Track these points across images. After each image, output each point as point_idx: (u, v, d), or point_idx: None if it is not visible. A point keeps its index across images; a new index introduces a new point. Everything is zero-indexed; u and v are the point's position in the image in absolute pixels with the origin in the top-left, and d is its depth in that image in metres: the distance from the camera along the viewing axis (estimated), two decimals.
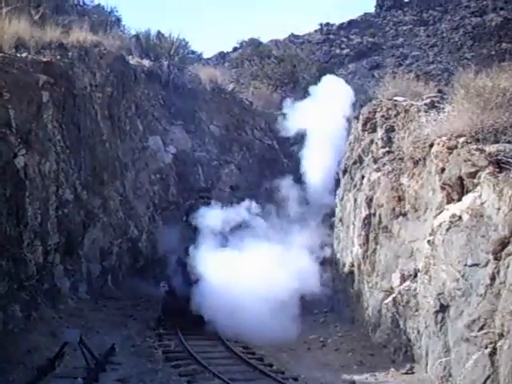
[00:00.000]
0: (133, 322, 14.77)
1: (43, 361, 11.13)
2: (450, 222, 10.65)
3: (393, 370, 11.71)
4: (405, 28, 38.55)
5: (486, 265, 9.70)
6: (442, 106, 13.37)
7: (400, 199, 13.05)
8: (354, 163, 15.76)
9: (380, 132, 14.76)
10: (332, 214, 17.75)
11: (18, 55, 15.64)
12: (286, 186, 19.24)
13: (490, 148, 10.40)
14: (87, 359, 10.96)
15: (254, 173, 22.15)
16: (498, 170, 10.03)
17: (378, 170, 14.14)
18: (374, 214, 13.92)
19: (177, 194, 20.03)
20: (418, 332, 11.76)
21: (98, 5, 25.69)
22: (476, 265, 9.91)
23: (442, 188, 11.20)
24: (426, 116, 13.25)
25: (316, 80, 29.48)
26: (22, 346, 11.79)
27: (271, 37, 39.67)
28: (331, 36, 39.17)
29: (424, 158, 12.27)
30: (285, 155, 23.19)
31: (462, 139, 11.08)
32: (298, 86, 29.11)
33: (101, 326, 14.01)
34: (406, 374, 11.44)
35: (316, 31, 40.20)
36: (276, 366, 12.41)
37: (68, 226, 15.26)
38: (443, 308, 10.75)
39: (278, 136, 23.13)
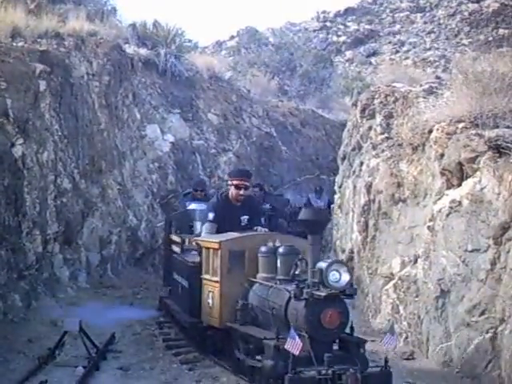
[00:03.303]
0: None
1: (44, 350, 11.14)
2: (450, 207, 10.64)
3: (393, 355, 11.70)
4: (402, 15, 38.62)
5: (487, 250, 9.70)
6: (440, 91, 13.34)
7: (399, 185, 13.02)
8: (353, 150, 15.71)
9: (378, 118, 14.72)
10: None
11: (14, 44, 15.65)
12: None
13: (490, 133, 10.38)
14: (88, 348, 10.95)
15: (252, 161, 22.13)
16: (497, 155, 10.02)
17: (376, 156, 14.11)
18: (374, 201, 13.89)
19: (175, 182, 19.99)
20: (419, 318, 11.75)
21: None
22: (476, 250, 9.91)
23: (442, 174, 11.18)
24: (424, 102, 13.22)
25: (313, 67, 29.65)
26: (23, 335, 11.81)
27: (268, 25, 39.64)
28: (328, 23, 39.21)
29: (423, 144, 12.25)
30: (283, 143, 23.21)
31: (461, 125, 11.06)
32: (295, 74, 29.18)
33: None
34: (407, 359, 11.43)
35: (312, 19, 40.22)
36: None
37: (67, 215, 15.26)
38: (444, 293, 10.75)
39: (276, 124, 23.17)
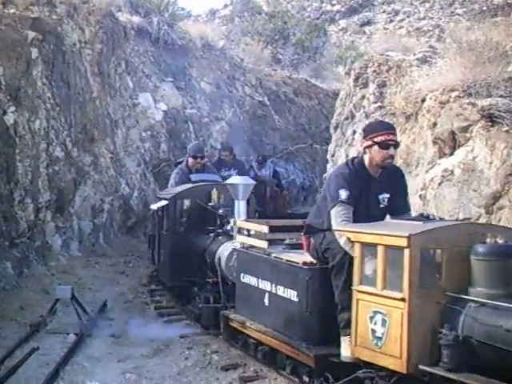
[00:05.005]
0: (125, 278, 14.76)
1: (35, 317, 11.18)
2: (442, 176, 10.65)
3: None
4: None
5: (478, 219, 9.73)
6: (434, 60, 13.32)
7: None
8: (346, 119, 15.68)
9: (372, 87, 14.68)
10: None
11: (6, 11, 15.51)
12: None
13: (483, 102, 10.38)
14: (80, 315, 10.99)
15: (245, 130, 22.07)
16: (490, 124, 10.03)
17: None
18: None
19: (168, 151, 19.93)
20: None
21: None
22: (468, 219, 9.92)
23: (434, 143, 11.18)
24: (417, 71, 13.20)
25: (307, 36, 29.51)
26: (15, 302, 11.84)
27: None
28: None
29: (416, 113, 12.24)
30: (276, 112, 23.14)
31: (454, 94, 11.05)
32: (288, 43, 29.05)
33: (93, 282, 14.02)
34: None
35: None
36: None
37: (59, 184, 15.23)
38: None
39: (269, 93, 23.10)
